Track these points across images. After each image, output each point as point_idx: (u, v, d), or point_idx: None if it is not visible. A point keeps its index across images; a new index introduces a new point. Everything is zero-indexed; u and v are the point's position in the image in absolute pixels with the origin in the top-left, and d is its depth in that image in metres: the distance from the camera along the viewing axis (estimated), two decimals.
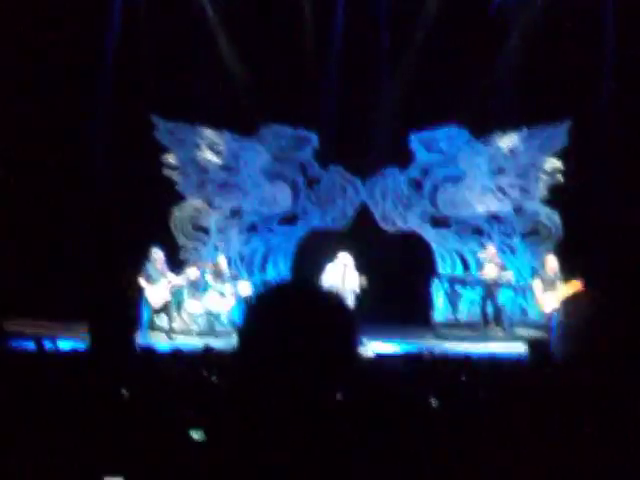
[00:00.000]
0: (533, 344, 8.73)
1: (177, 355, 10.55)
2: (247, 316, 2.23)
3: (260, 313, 2.20)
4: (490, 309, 19.26)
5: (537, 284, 17.80)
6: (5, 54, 18.94)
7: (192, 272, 18.86)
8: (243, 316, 2.24)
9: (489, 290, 19.14)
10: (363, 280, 17.99)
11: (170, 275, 18.16)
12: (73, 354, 7.98)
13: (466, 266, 20.98)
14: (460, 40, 19.77)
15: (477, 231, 21.07)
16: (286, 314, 2.14)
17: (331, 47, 20.61)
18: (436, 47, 19.87)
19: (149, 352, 10.07)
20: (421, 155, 21.19)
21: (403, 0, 19.75)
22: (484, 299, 19.38)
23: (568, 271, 17.50)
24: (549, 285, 17.46)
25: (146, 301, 17.84)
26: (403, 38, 20.38)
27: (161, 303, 17.98)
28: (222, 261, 19.41)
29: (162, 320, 18.54)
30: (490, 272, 19.04)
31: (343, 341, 2.18)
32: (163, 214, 20.69)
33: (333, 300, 2.24)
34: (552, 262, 17.85)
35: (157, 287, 17.90)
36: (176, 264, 19.35)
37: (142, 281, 17.85)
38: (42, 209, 19.41)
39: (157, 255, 18.11)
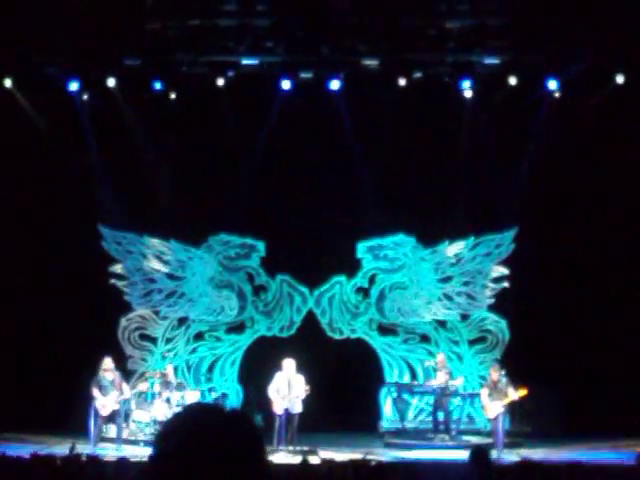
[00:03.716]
0: (475, 451, 8.75)
1: (124, 464, 10.46)
2: (160, 433, 2.31)
3: (171, 430, 2.29)
4: (441, 417, 19.20)
5: (484, 392, 17.85)
6: None
7: (143, 386, 18.95)
8: (158, 432, 2.34)
9: (440, 398, 19.08)
10: (308, 389, 17.68)
11: (124, 386, 18.03)
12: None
13: (413, 374, 20.94)
14: (411, 149, 20.13)
15: (424, 339, 21.11)
16: (192, 433, 2.23)
17: (277, 157, 20.74)
18: (391, 155, 20.18)
19: (96, 461, 10.00)
20: (368, 263, 21.33)
21: (354, 112, 19.99)
22: (435, 407, 19.32)
23: (515, 377, 17.61)
24: (495, 392, 17.51)
25: (96, 411, 17.64)
26: (360, 146, 20.61)
27: (109, 413, 17.77)
28: (169, 370, 19.32)
29: (110, 430, 18.33)
30: (440, 380, 19.04)
31: (249, 459, 2.25)
32: (112, 324, 20.65)
33: (241, 421, 2.31)
34: (498, 370, 17.92)
35: (108, 398, 17.72)
36: (125, 374, 19.24)
37: (94, 391, 17.68)
38: None
39: (108, 365, 17.95)
